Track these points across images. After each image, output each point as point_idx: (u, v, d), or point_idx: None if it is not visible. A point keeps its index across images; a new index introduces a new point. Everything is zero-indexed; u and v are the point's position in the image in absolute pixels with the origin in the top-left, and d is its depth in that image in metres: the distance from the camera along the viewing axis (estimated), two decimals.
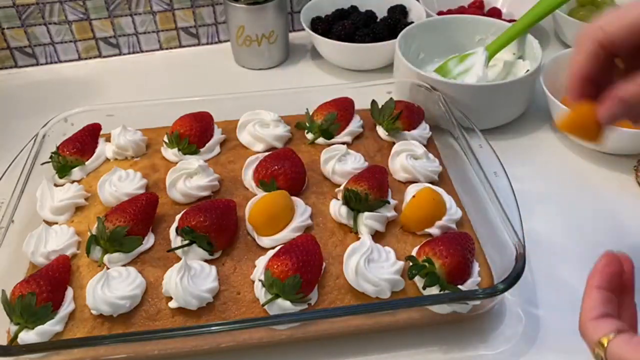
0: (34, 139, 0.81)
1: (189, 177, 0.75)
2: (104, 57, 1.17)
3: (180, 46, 1.19)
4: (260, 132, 0.82)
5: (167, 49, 1.19)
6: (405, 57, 0.93)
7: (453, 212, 0.71)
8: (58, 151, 0.80)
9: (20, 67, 1.14)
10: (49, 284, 0.62)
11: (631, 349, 0.43)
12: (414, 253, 0.66)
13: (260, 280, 0.63)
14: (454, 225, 0.71)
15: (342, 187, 0.73)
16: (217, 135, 0.84)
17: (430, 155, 0.79)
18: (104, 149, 0.83)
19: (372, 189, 0.70)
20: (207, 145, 0.82)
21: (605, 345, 0.45)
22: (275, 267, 0.61)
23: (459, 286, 0.62)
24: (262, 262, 0.65)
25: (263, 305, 0.61)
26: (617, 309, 0.48)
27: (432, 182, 0.76)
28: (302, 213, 0.71)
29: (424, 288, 0.63)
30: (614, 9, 0.52)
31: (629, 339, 0.44)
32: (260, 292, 0.62)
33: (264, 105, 0.86)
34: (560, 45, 1.16)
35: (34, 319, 0.60)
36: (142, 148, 0.83)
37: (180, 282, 0.61)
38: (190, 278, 0.62)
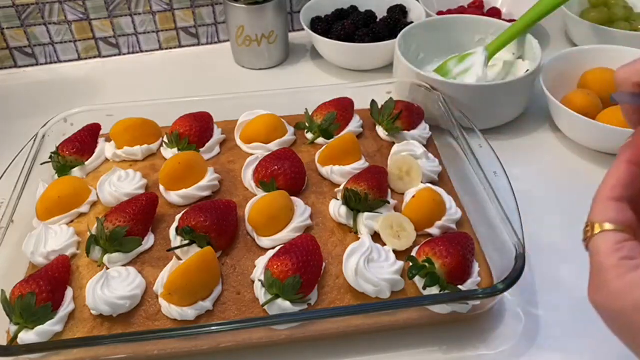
0: (33, 139, 0.81)
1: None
2: (104, 57, 1.17)
3: (180, 46, 1.19)
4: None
5: (166, 49, 1.19)
6: (405, 57, 0.93)
7: (453, 212, 0.71)
8: (58, 151, 0.80)
9: (20, 67, 1.14)
10: (49, 284, 0.62)
11: (611, 251, 0.38)
12: (414, 253, 0.66)
13: (260, 280, 0.63)
14: (454, 226, 0.71)
15: (341, 187, 0.73)
16: (217, 135, 0.84)
17: (430, 155, 0.79)
18: (104, 149, 0.83)
19: (371, 189, 0.70)
20: (207, 145, 0.82)
21: (595, 232, 0.39)
22: (275, 267, 0.61)
23: (459, 286, 0.62)
24: (262, 262, 0.65)
25: (263, 305, 0.61)
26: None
27: (432, 182, 0.76)
28: (301, 213, 0.71)
29: (424, 288, 0.63)
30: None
31: (620, 240, 0.39)
32: (260, 292, 0.62)
33: (264, 105, 0.86)
34: (561, 44, 1.16)
35: (33, 319, 0.60)
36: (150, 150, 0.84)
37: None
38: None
